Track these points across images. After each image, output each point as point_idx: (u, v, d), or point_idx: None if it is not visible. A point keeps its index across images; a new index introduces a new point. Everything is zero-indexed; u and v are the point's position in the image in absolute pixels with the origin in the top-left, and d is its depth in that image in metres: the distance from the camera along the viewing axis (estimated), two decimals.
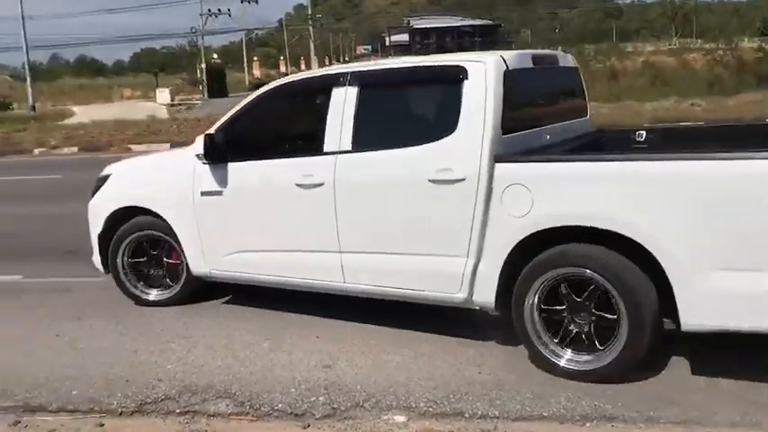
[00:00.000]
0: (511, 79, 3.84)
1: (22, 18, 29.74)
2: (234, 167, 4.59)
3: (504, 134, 3.77)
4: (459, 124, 3.80)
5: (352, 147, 4.15)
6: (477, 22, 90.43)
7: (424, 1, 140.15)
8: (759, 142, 3.69)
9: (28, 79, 32.61)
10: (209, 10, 50.01)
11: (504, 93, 3.78)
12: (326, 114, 4.24)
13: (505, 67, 3.86)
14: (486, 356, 4.02)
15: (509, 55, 4.00)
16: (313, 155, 4.28)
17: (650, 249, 3.34)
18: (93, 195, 5.33)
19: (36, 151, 18.62)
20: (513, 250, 3.67)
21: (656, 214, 3.32)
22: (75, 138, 19.83)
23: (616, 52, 34.81)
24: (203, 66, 44.01)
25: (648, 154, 3.80)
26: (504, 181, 3.67)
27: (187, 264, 4.93)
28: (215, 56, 58.74)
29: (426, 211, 3.91)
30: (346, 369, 3.99)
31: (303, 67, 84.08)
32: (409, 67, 4.39)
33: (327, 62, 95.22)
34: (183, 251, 4.92)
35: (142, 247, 5.18)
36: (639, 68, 29.56)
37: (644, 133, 4.84)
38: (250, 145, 4.66)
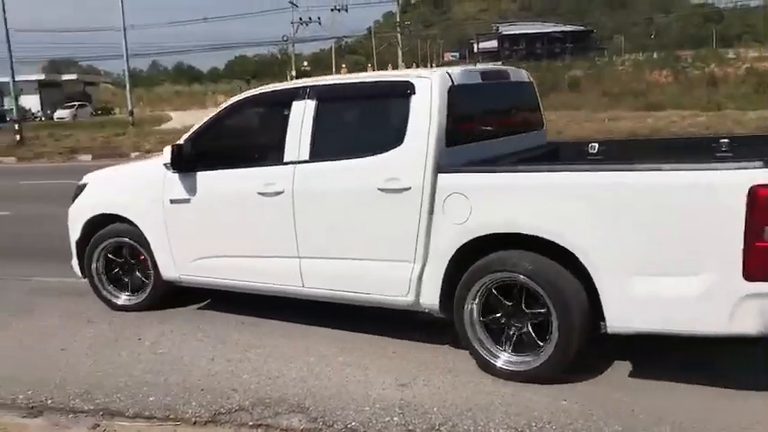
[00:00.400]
0: (456, 95, 4.02)
1: (124, 28, 31.16)
2: (201, 176, 4.74)
3: (448, 146, 3.95)
4: (406, 137, 3.97)
5: (310, 157, 4.32)
6: (569, 28, 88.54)
7: (514, 7, 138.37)
8: (696, 155, 3.86)
9: (128, 86, 34.13)
10: (300, 19, 51.06)
11: (449, 107, 3.96)
12: (287, 126, 4.40)
13: (450, 83, 4.04)
14: (572, 385, 3.78)
15: (456, 71, 4.18)
16: (274, 164, 4.43)
17: (577, 255, 3.50)
18: (72, 202, 5.53)
19: (132, 155, 19.40)
20: (454, 256, 3.86)
21: (582, 222, 3.48)
22: (168, 142, 20.23)
23: (716, 58, 33.29)
24: (293, 73, 44.92)
25: (576, 165, 3.99)
26: (446, 190, 3.86)
27: (158, 269, 5.08)
28: (305, 63, 59.90)
29: (376, 219, 4.09)
30: (423, 389, 3.85)
31: None
32: (362, 83, 4.57)
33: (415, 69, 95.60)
34: (154, 257, 5.06)
35: (117, 253, 5.34)
36: (742, 75, 28.11)
37: (596, 145, 4.96)
38: (216, 155, 4.81)
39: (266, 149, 4.70)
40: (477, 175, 3.94)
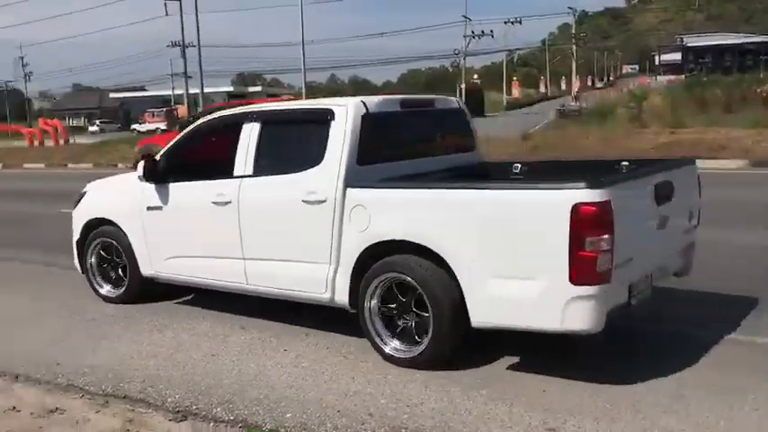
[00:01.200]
0: (369, 121, 4.58)
1: (302, 43, 32.73)
2: (171, 187, 5.50)
3: (360, 165, 4.53)
4: (325, 156, 4.56)
5: (253, 172, 4.98)
6: (764, 38, 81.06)
7: (700, 17, 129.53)
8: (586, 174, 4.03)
9: (303, 98, 35.74)
10: (473, 32, 50.97)
11: (361, 132, 4.52)
12: (237, 145, 5.06)
13: (365, 111, 4.60)
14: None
15: (372, 100, 4.74)
16: (226, 178, 5.09)
17: (447, 260, 4.10)
18: (75, 207, 6.36)
19: None
20: (358, 259, 4.48)
21: (450, 232, 4.09)
22: None
23: None
24: (462, 86, 44.89)
25: (449, 183, 4.50)
26: (351, 203, 4.46)
27: (137, 267, 5.83)
28: (475, 76, 59.69)
29: (300, 227, 4.71)
30: None
31: (563, 86, 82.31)
32: (294, 109, 5.39)
33: (590, 82, 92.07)
34: (134, 256, 5.82)
35: (108, 251, 6.11)
36: None
37: (519, 165, 5.44)
38: (182, 169, 5.50)
39: (221, 165, 5.19)
40: (372, 190, 4.48)
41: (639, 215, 4.16)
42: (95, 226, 6.13)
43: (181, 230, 5.48)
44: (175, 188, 5.50)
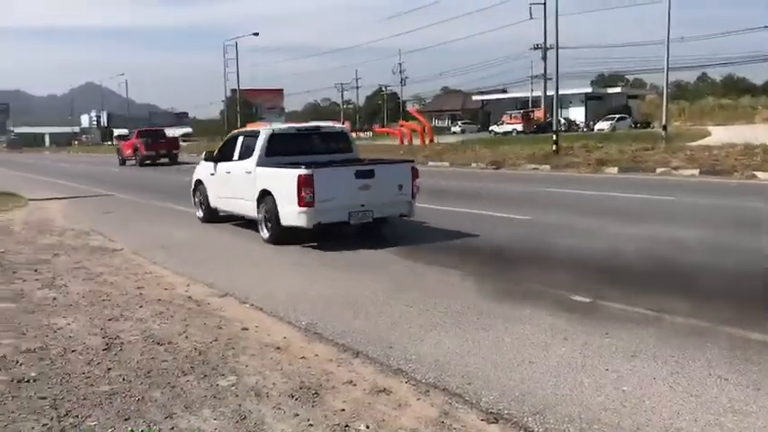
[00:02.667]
0: (273, 137, 10.36)
1: (667, 41, 30.56)
2: (215, 165, 11.63)
3: (267, 157, 10.14)
4: (254, 152, 10.21)
5: (237, 159, 10.95)
6: None
7: None
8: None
9: (665, 99, 33.44)
10: None
11: (269, 141, 10.26)
12: (235, 146, 11.13)
13: (272, 132, 10.50)
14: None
15: (280, 127, 11.14)
16: (230, 161, 11.11)
17: (275, 197, 9.71)
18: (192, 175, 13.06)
19: (658, 170, 18.95)
20: (257, 197, 9.99)
21: (275, 185, 9.73)
22: (697, 160, 19.43)
23: None
24: None
25: (277, 166, 9.99)
26: (257, 173, 10.07)
27: (209, 201, 12.09)
28: None
29: (245, 183, 10.32)
30: None
31: None
32: (253, 130, 11.54)
33: None
34: (208, 197, 12.12)
35: (201, 195, 12.48)
36: None
37: (366, 159, 11.14)
38: (221, 157, 11.59)
39: (230, 155, 11.22)
40: (262, 168, 10.06)
41: (340, 183, 9.38)
42: (197, 183, 12.62)
43: (218, 185, 11.70)
44: (217, 165, 11.69)
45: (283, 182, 9.41)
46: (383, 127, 74.17)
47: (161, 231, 11.71)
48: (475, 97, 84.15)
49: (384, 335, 5.53)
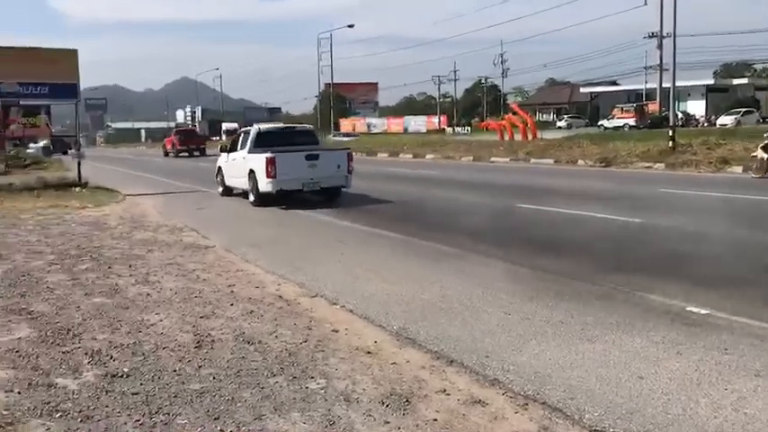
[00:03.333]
0: (261, 133, 16.58)
1: None
2: (228, 155, 17.80)
3: (255, 148, 16.08)
4: (247, 144, 16.46)
5: (239, 149, 17.12)
6: None
7: None
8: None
9: None
10: None
11: (257, 137, 16.43)
12: (239, 141, 17.38)
13: (259, 130, 16.87)
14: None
15: (265, 126, 17.87)
16: (237, 151, 17.18)
17: (256, 173, 15.66)
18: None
19: None
20: (248, 174, 15.99)
21: (255, 165, 15.63)
22: None
23: None
24: None
25: (256, 153, 16.01)
26: (247, 158, 16.16)
27: (224, 181, 18.04)
28: None
29: (242, 165, 16.40)
30: None
31: None
32: (248, 128, 18.05)
33: None
34: (224, 178, 18.07)
35: (220, 177, 18.52)
36: None
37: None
38: (231, 148, 17.78)
39: (236, 147, 17.34)
40: (250, 154, 16.02)
41: (295, 163, 15.06)
42: (219, 169, 18.33)
43: (230, 169, 17.39)
44: (229, 155, 17.54)
45: (260, 162, 15.21)
46: (482, 121, 73.61)
47: (252, 229, 12.09)
48: (583, 89, 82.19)
49: (480, 343, 5.49)
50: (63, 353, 5.20)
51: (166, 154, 50.06)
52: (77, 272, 8.16)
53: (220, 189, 18.18)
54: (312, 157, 15.32)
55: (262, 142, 16.08)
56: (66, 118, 28.69)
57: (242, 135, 17.44)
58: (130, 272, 8.15)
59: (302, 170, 15.15)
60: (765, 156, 17.81)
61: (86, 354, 5.18)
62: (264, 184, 15.14)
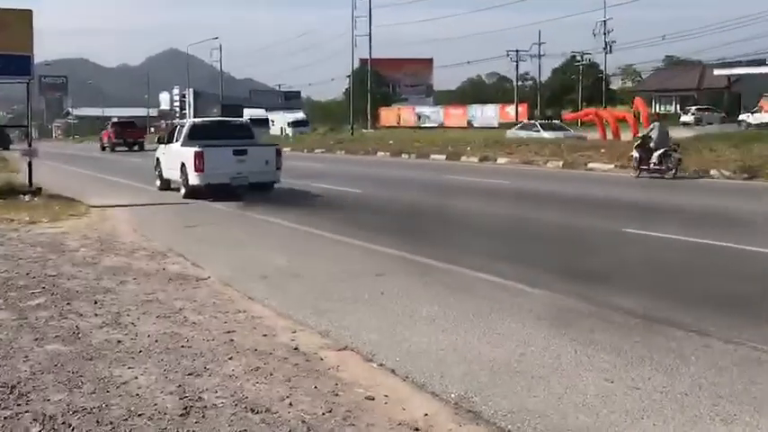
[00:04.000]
0: (195, 126, 23.81)
1: None
2: (165, 146, 24.65)
3: (188, 140, 22.47)
4: (181, 137, 23.07)
5: (174, 141, 23.78)
6: None
7: None
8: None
9: None
10: None
11: (191, 130, 23.24)
12: (175, 132, 24.50)
13: (193, 123, 24.99)
14: None
15: (199, 120, 28.91)
16: (172, 143, 23.71)
17: (186, 165, 22.20)
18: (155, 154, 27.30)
19: None
20: (179, 168, 22.47)
21: (185, 156, 21.86)
22: None
23: None
24: None
25: (190, 143, 22.48)
26: (179, 150, 22.77)
27: (162, 174, 24.40)
28: None
29: (175, 158, 22.98)
30: None
31: None
32: (183, 122, 29.12)
33: None
34: (162, 170, 24.41)
35: (157, 168, 25.40)
36: None
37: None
38: (168, 140, 24.62)
39: (172, 138, 24.03)
40: (181, 147, 22.50)
41: (224, 157, 21.06)
42: (157, 160, 24.83)
43: (166, 161, 23.85)
44: (166, 147, 24.05)
45: (189, 156, 20.72)
46: (574, 111, 73.30)
47: (260, 255, 12.21)
48: (717, 71, 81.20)
49: (572, 420, 5.45)
50: (4, 418, 5.30)
51: (103, 148, 63.59)
52: (26, 309, 8.34)
53: (158, 182, 24.60)
54: (240, 153, 21.23)
55: (196, 135, 22.42)
56: (12, 101, 29.63)
57: (178, 127, 24.67)
58: (96, 310, 8.30)
59: (230, 165, 20.92)
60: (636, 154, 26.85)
61: (35, 420, 5.27)
62: (193, 177, 21.07)
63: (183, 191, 21.63)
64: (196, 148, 20.70)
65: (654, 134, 26.59)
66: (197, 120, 24.57)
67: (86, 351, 6.85)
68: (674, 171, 25.47)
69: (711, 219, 15.49)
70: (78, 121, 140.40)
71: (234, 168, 20.72)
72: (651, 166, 26.16)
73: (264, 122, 77.25)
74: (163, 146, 24.57)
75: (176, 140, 22.94)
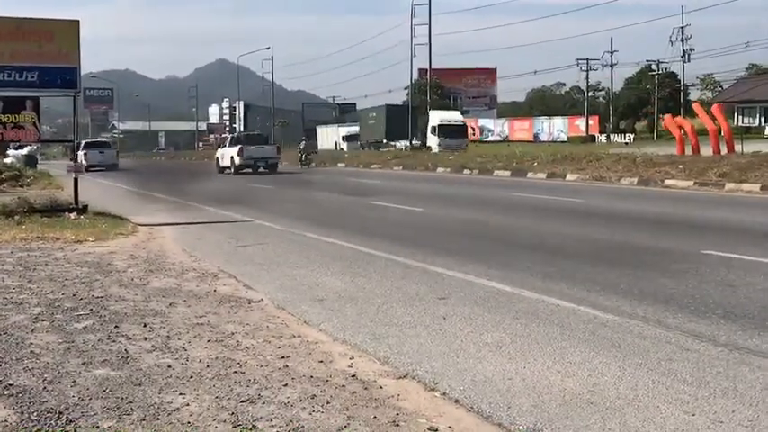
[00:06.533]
0: (237, 137, 66.40)
1: None
2: (224, 148, 58.77)
3: (232, 145, 59.75)
4: (232, 143, 58.76)
5: (228, 145, 59.57)
6: None
7: None
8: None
9: None
10: None
11: (237, 138, 61.82)
12: (226, 142, 62.66)
13: (238, 134, 76.96)
14: None
15: (244, 132, 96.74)
16: (226, 147, 58.17)
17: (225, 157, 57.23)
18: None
19: None
20: (230, 158, 54.78)
21: (230, 153, 55.93)
22: None
23: None
24: None
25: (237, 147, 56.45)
26: (236, 151, 54.95)
27: (219, 165, 56.14)
28: None
29: (228, 153, 56.46)
30: None
31: None
32: (233, 135, 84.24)
33: None
34: (219, 162, 56.44)
35: (218, 164, 57.61)
36: None
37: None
38: (224, 145, 60.72)
39: (225, 145, 61.06)
40: (230, 147, 57.42)
41: (252, 150, 53.37)
42: (216, 159, 57.54)
43: (222, 158, 55.62)
44: (221, 151, 58.11)
45: (235, 152, 51.96)
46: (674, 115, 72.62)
47: (314, 276, 12.29)
48: None
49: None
50: None
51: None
52: (72, 332, 8.51)
53: (216, 169, 52.80)
54: (258, 144, 54.90)
55: (239, 142, 54.44)
56: (55, 115, 29.88)
57: (228, 139, 59.12)
58: (145, 333, 8.44)
59: (255, 154, 51.80)
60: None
61: None
62: (237, 162, 50.58)
63: (231, 171, 50.50)
64: (239, 147, 50.89)
65: None
66: (242, 133, 42.26)
67: (135, 376, 6.97)
68: None
69: None
70: (124, 136, 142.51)
71: (257, 156, 51.24)
72: None
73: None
74: (220, 149, 55.71)
75: (230, 145, 54.02)
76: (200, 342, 8.13)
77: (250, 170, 51.63)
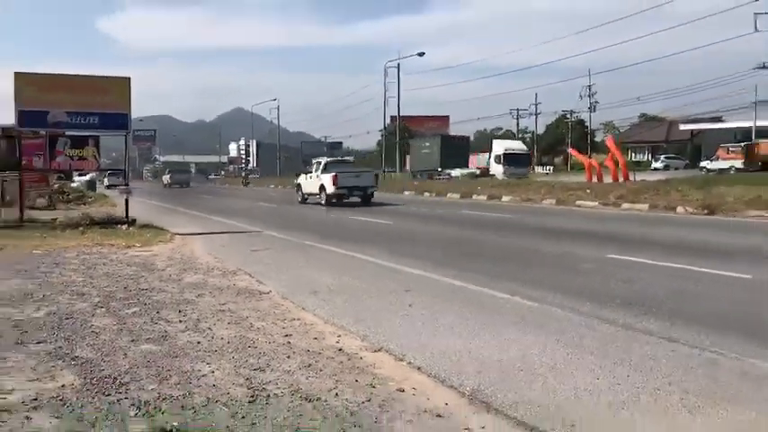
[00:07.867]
0: (327, 163, 36.93)
1: None
2: (304, 176, 38.12)
3: (322, 173, 36.52)
4: (318, 169, 36.38)
5: (313, 172, 36.62)
6: None
7: None
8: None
9: None
10: None
11: (325, 166, 36.14)
12: (311, 167, 37.85)
13: (326, 161, 37.75)
14: None
15: (327, 159, 40.41)
16: (310, 174, 37.15)
17: (325, 186, 34.91)
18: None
19: None
20: (319, 187, 35.09)
21: (325, 182, 34.87)
22: None
23: None
24: None
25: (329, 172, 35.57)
26: (322, 177, 35.73)
27: (302, 192, 37.54)
28: None
29: (315, 181, 36.11)
30: None
31: None
32: (318, 160, 40.22)
33: None
34: (302, 190, 37.66)
35: (299, 190, 38.63)
36: None
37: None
38: (303, 173, 39.08)
39: (308, 172, 38.18)
40: (321, 174, 35.06)
41: (348, 177, 34.13)
42: (298, 185, 38.50)
43: (306, 185, 36.80)
44: (302, 176, 38.14)
45: (328, 179, 33.28)
46: (567, 158, 73.02)
47: (311, 274, 12.25)
48: (683, 126, 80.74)
49: (565, 410, 5.42)
50: (109, 403, 5.38)
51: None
52: (124, 316, 8.45)
53: (299, 198, 37.58)
54: (356, 174, 35.01)
55: (327, 169, 34.72)
56: (110, 150, 30.01)
57: (314, 165, 36.69)
58: (180, 317, 8.38)
59: (351, 182, 33.90)
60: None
61: (133, 405, 5.34)
62: (330, 190, 33.37)
63: (322, 200, 33.88)
64: (332, 174, 33.54)
65: None
66: (325, 159, 38.44)
67: (173, 350, 6.93)
68: None
69: (683, 248, 15.36)
70: (163, 166, 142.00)
71: (354, 184, 33.98)
72: None
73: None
74: (303, 176, 37.60)
75: (314, 171, 35.76)
76: (222, 324, 8.08)
77: (335, 200, 33.51)
